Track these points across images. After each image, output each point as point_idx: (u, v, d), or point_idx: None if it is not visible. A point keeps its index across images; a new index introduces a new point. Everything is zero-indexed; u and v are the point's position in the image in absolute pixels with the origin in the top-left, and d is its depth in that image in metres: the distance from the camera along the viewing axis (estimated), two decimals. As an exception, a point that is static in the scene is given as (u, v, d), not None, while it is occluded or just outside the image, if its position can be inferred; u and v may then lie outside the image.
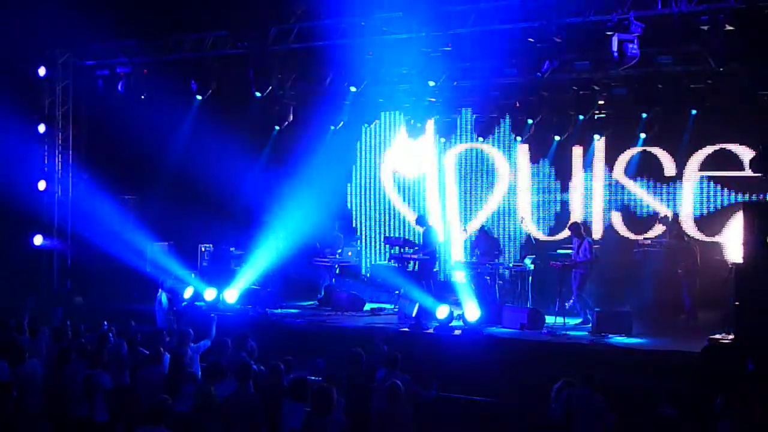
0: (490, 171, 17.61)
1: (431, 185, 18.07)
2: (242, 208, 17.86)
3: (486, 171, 17.65)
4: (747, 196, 15.04)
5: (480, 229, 16.24)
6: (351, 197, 18.85)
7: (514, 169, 17.22)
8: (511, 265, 14.82)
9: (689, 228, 15.48)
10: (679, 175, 15.81)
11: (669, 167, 15.87)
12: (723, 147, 15.31)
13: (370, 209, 18.75)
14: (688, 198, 15.70)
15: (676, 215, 15.59)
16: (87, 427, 8.85)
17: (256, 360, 10.07)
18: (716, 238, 15.24)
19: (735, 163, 15.27)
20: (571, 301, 14.16)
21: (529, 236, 16.39)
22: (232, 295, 15.30)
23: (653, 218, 15.83)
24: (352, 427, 8.31)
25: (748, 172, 14.70)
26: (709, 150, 15.50)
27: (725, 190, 15.45)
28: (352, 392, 9.45)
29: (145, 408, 7.92)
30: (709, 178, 15.58)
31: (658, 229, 15.54)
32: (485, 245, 15.61)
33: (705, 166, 15.63)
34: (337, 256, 16.90)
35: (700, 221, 15.60)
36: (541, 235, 16.75)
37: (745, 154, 14.98)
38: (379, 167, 18.62)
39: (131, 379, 9.79)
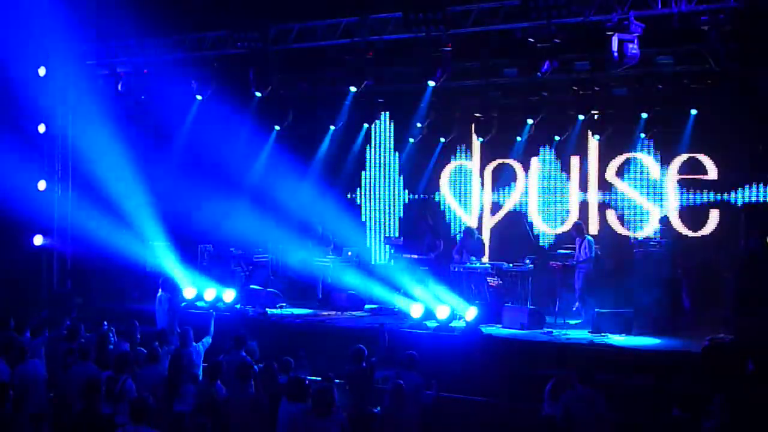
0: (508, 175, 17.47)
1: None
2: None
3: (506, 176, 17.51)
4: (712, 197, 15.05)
5: (465, 230, 16.18)
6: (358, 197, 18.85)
7: (525, 174, 17.12)
8: (511, 265, 14.80)
9: (677, 225, 15.42)
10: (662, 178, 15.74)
11: (654, 170, 15.80)
12: (692, 156, 15.28)
13: (371, 209, 18.75)
14: (672, 199, 15.61)
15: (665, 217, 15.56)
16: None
17: (257, 360, 10.09)
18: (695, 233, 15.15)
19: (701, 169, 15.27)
20: (577, 304, 14.19)
21: (529, 236, 16.36)
22: (230, 295, 15.31)
23: (650, 219, 15.79)
24: (353, 426, 8.31)
25: (712, 176, 14.95)
26: (683, 158, 15.41)
27: (693, 191, 15.39)
28: (353, 390, 9.45)
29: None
30: (682, 180, 15.52)
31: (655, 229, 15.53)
32: (471, 245, 15.59)
33: (680, 170, 15.59)
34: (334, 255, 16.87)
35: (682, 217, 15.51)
36: (545, 227, 16.70)
37: (708, 163, 15.06)
38: (381, 168, 18.64)
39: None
